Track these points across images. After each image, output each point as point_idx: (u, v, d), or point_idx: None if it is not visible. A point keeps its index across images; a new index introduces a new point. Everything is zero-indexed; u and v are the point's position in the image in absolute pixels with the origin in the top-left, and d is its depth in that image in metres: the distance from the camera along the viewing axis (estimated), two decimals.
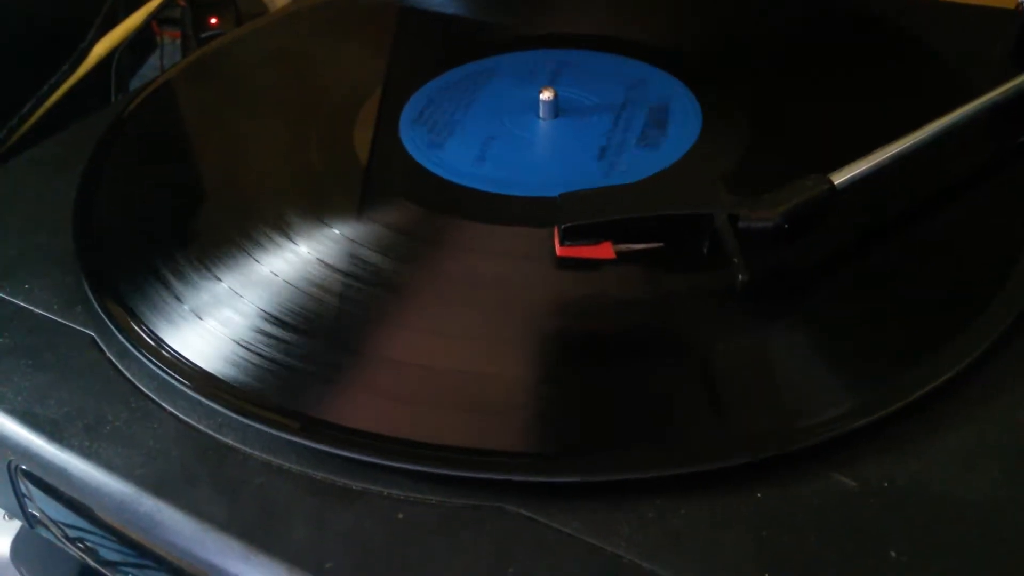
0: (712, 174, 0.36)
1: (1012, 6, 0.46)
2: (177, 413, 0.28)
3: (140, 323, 0.31)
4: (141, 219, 0.37)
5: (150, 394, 0.29)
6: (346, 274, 0.32)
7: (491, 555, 0.23)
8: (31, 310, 0.33)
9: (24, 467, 0.29)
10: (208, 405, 0.28)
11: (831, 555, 0.23)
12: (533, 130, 0.40)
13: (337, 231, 0.34)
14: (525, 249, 0.33)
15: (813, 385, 0.27)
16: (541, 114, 0.41)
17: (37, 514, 0.31)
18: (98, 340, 0.31)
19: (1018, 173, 0.35)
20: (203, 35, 0.59)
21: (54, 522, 0.30)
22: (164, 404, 0.28)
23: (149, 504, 0.26)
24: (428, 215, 0.35)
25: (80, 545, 0.30)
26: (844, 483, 0.24)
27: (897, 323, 0.29)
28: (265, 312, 0.31)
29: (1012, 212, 0.33)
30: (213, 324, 0.30)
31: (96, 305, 0.32)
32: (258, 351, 0.29)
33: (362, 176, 0.38)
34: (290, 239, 0.34)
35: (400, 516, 0.25)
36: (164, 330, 0.30)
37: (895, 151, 0.32)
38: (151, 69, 0.64)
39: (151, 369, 0.29)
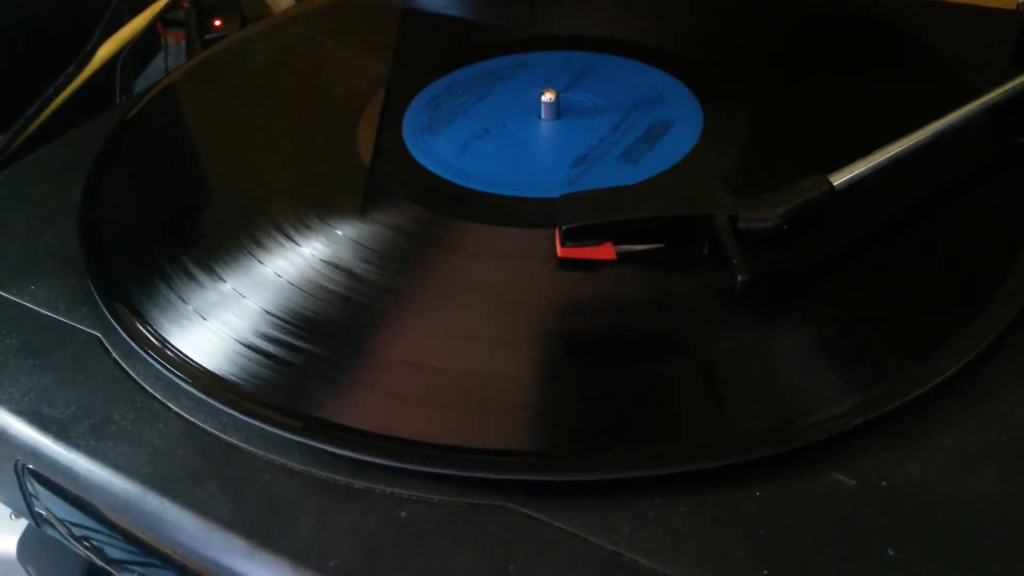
0: (713, 175, 0.36)
1: (1012, 6, 0.46)
2: (182, 413, 0.28)
3: (145, 324, 0.31)
4: (146, 220, 0.37)
5: (155, 394, 0.29)
6: (349, 274, 0.32)
7: (492, 553, 0.24)
8: (37, 311, 0.33)
9: (31, 466, 0.29)
10: (213, 405, 0.28)
11: (830, 553, 0.23)
12: (528, 130, 0.40)
13: (340, 232, 0.34)
14: (527, 250, 0.33)
15: (812, 384, 0.27)
16: (543, 115, 0.41)
17: (44, 513, 0.31)
18: (104, 341, 0.31)
19: (1018, 173, 0.35)
20: (207, 37, 0.60)
21: (61, 521, 0.30)
22: (169, 404, 0.29)
23: (155, 503, 0.26)
24: (431, 216, 0.35)
25: (86, 543, 0.30)
26: (843, 481, 0.24)
27: (896, 322, 0.29)
28: (269, 313, 0.31)
29: (1012, 212, 0.33)
30: (217, 325, 0.31)
31: (102, 306, 0.32)
32: (262, 351, 0.29)
33: (365, 177, 0.38)
34: (293, 240, 0.34)
35: (403, 514, 0.25)
36: (169, 331, 0.31)
37: (894, 152, 0.32)
38: (156, 71, 0.64)
39: (156, 369, 0.29)
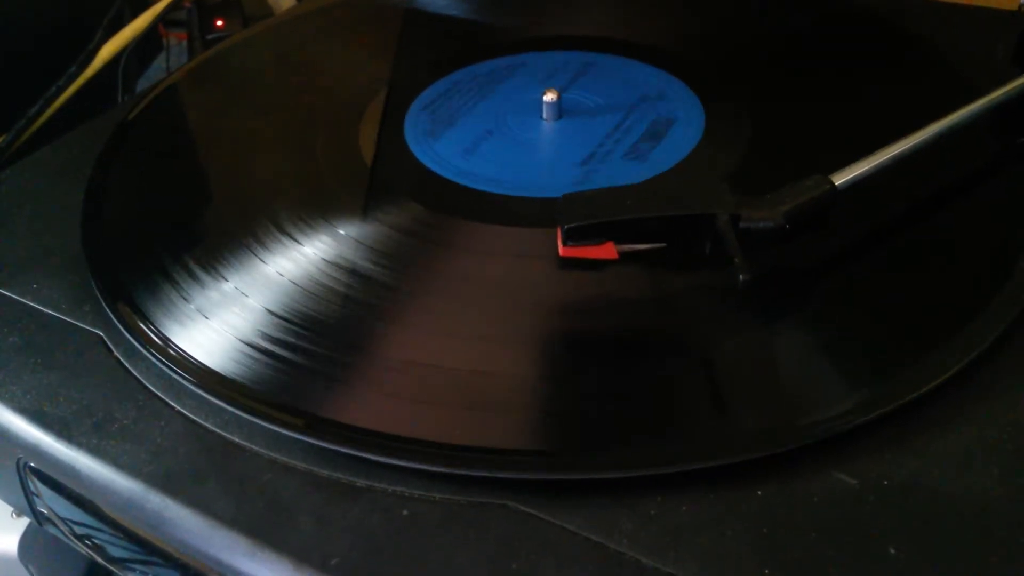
0: (714, 175, 0.36)
1: (1014, 7, 0.46)
2: (184, 411, 0.28)
3: (147, 322, 0.31)
4: (148, 219, 0.37)
5: (158, 392, 0.29)
6: (351, 273, 0.32)
7: (494, 551, 0.24)
8: (40, 310, 0.33)
9: (33, 465, 0.29)
10: (215, 403, 0.28)
11: (831, 552, 0.23)
12: (531, 130, 0.40)
13: (342, 231, 0.34)
14: (528, 249, 0.33)
15: (813, 383, 0.27)
16: (544, 115, 0.41)
17: (45, 511, 0.31)
18: (106, 339, 0.31)
19: (1018, 173, 0.35)
20: (209, 37, 0.60)
21: (62, 519, 0.30)
22: (171, 402, 0.29)
23: (156, 501, 0.26)
24: (432, 215, 0.35)
25: (88, 542, 0.30)
26: (844, 481, 0.24)
27: (897, 322, 0.29)
28: (271, 311, 0.31)
29: (1012, 212, 0.33)
30: (219, 323, 0.31)
31: (104, 305, 0.32)
32: (264, 350, 0.29)
33: (367, 177, 0.38)
34: (295, 239, 0.34)
35: (405, 513, 0.25)
36: (171, 329, 0.31)
37: (896, 152, 0.32)
38: (158, 71, 0.64)
39: (158, 368, 0.30)
